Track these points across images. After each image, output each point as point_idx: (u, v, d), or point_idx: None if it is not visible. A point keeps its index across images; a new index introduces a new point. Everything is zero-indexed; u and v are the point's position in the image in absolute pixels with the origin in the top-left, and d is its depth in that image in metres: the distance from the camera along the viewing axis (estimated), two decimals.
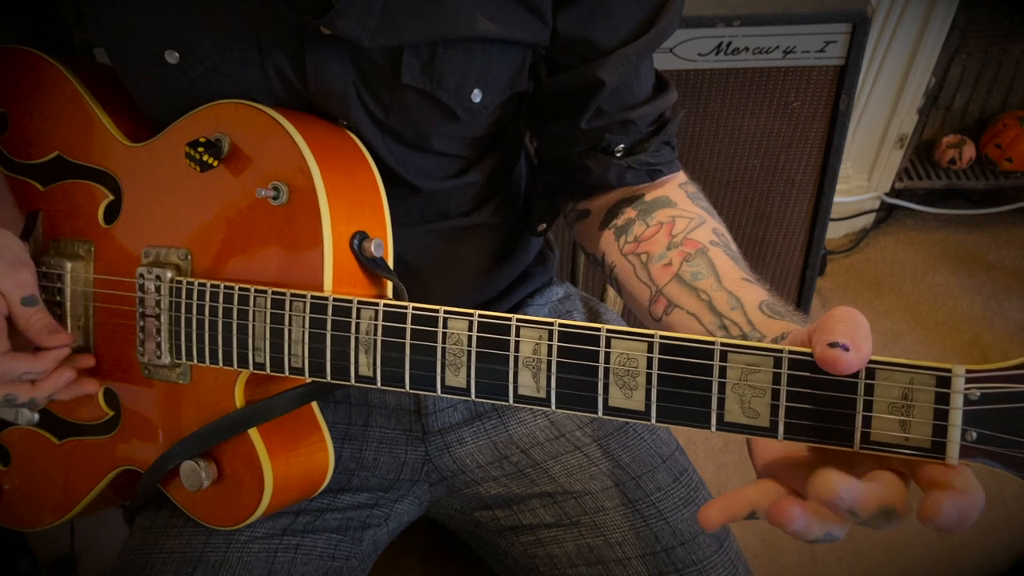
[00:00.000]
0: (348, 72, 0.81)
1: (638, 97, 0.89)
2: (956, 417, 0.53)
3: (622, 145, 0.90)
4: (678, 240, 0.84)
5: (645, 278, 0.85)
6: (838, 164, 1.72)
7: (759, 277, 0.80)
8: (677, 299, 0.81)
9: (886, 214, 2.58)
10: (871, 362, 0.55)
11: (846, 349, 0.53)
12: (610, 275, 0.92)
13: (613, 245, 0.91)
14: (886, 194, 2.49)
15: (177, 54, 0.80)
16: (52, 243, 0.91)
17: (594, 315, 1.09)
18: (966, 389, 0.52)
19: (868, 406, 0.55)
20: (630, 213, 0.90)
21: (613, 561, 0.90)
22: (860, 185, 2.45)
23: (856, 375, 0.55)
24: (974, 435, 0.52)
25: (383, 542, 1.01)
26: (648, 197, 0.90)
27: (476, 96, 0.85)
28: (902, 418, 0.54)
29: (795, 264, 1.89)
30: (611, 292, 1.67)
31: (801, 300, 1.95)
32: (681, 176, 0.94)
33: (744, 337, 0.73)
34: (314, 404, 0.84)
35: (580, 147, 0.91)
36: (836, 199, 1.88)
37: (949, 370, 0.53)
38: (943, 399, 0.53)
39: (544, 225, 1.02)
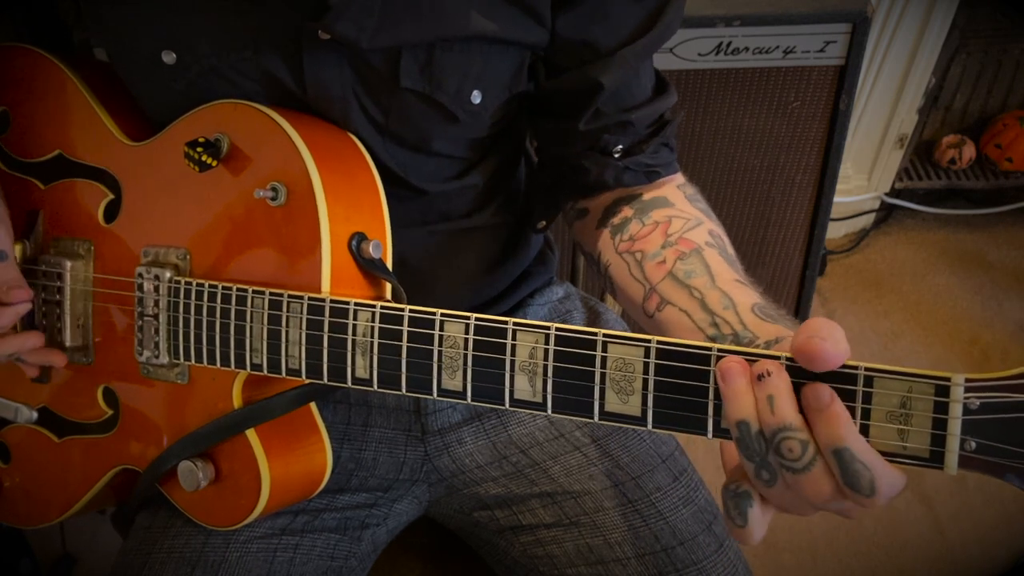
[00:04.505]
0: (346, 77, 0.81)
1: (637, 99, 0.89)
2: (955, 427, 0.52)
3: (620, 146, 0.89)
4: (673, 239, 0.84)
5: (639, 276, 0.85)
6: (838, 164, 1.72)
7: (753, 280, 0.80)
8: (670, 296, 0.81)
9: (886, 214, 2.58)
10: (869, 369, 0.54)
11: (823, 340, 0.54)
12: (605, 273, 0.91)
13: (609, 243, 0.90)
14: (886, 194, 2.49)
15: (174, 54, 0.80)
16: (53, 242, 0.90)
17: (594, 315, 1.09)
18: (965, 398, 0.52)
19: (866, 414, 0.55)
20: (627, 212, 0.90)
21: (613, 561, 0.90)
22: (860, 185, 2.45)
23: (854, 382, 0.55)
24: (973, 445, 0.52)
25: (382, 542, 1.01)
26: (646, 197, 0.90)
27: (476, 97, 0.84)
28: (900, 427, 0.54)
29: (795, 264, 1.89)
30: None
31: (801, 300, 1.95)
32: (680, 178, 0.94)
33: (736, 337, 0.73)
34: (312, 405, 0.84)
35: (578, 147, 0.91)
36: (836, 199, 1.88)
37: (948, 379, 0.52)
38: (942, 408, 0.53)
39: (544, 223, 1.02)
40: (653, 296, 0.83)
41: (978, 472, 0.52)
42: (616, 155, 0.90)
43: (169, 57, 0.80)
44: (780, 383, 0.56)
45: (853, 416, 0.55)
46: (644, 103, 0.89)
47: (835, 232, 2.53)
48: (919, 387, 0.53)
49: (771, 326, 0.72)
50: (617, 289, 0.90)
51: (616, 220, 0.91)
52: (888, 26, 2.10)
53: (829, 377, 0.55)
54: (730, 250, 0.85)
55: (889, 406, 0.54)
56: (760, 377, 0.57)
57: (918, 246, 2.53)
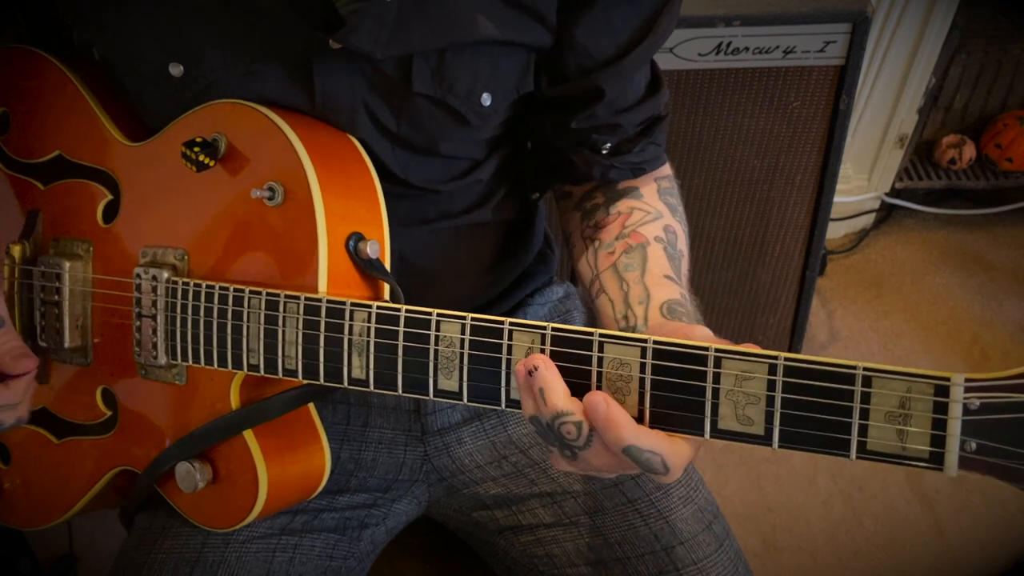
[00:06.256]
0: (357, 85, 0.81)
1: (629, 101, 0.90)
2: (955, 427, 0.52)
3: (608, 144, 0.91)
4: (627, 232, 0.88)
5: (592, 262, 0.90)
6: (838, 164, 1.71)
7: (689, 279, 0.85)
8: (606, 285, 0.85)
9: (886, 214, 2.57)
10: (867, 369, 0.54)
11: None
12: (570, 254, 0.96)
13: (578, 226, 0.95)
14: (886, 194, 2.49)
15: (181, 67, 0.79)
16: (52, 242, 0.90)
17: (594, 315, 1.09)
18: (965, 398, 0.52)
19: (864, 414, 0.55)
20: (599, 199, 0.94)
21: (613, 561, 0.90)
22: (860, 185, 2.45)
23: (852, 382, 0.55)
24: (973, 445, 0.52)
25: (382, 542, 1.01)
26: (620, 185, 0.93)
27: (486, 100, 0.85)
28: (899, 427, 0.54)
29: (795, 264, 1.89)
30: None
31: (801, 300, 1.94)
32: (664, 170, 0.96)
33: (633, 330, 0.76)
34: (311, 406, 0.84)
35: (567, 142, 0.92)
36: (836, 199, 1.88)
37: (948, 379, 0.52)
38: (941, 408, 0.52)
39: (537, 194, 1.04)
40: (596, 283, 0.87)
41: (978, 473, 0.52)
42: (604, 152, 0.91)
43: (176, 70, 0.80)
44: (547, 374, 0.62)
45: (851, 417, 0.55)
46: (635, 104, 0.90)
47: (835, 232, 2.53)
48: (918, 387, 0.53)
49: (670, 324, 0.76)
50: (575, 268, 0.95)
51: (588, 205, 0.94)
52: (888, 26, 2.10)
53: (828, 377, 0.55)
54: (680, 246, 0.89)
55: (888, 406, 0.54)
56: (530, 372, 0.62)
57: (918, 246, 2.53)
